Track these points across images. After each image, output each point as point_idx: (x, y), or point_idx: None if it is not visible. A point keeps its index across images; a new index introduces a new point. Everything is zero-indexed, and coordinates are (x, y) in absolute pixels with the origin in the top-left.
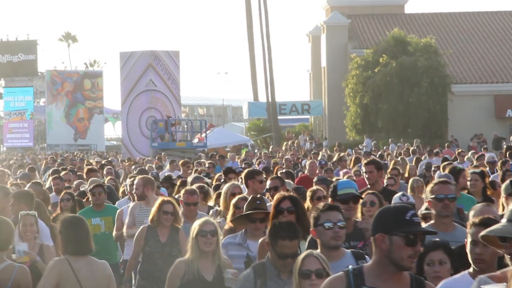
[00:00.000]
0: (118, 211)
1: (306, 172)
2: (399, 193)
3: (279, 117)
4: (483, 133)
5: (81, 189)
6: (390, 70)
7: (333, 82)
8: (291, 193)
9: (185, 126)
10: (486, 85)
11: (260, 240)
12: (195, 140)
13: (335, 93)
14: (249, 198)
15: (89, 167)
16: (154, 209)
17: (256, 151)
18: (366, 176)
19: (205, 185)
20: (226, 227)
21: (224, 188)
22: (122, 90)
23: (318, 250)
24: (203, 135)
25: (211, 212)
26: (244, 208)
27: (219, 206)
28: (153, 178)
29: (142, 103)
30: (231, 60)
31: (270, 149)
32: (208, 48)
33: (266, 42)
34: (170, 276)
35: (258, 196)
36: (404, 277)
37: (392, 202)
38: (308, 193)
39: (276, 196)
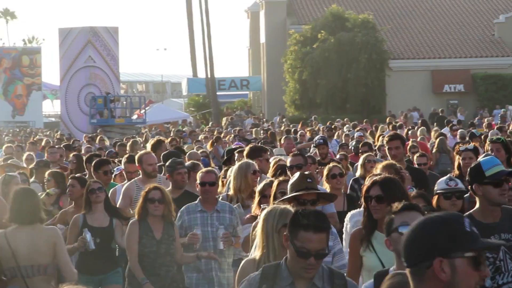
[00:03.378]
0: (111, 190)
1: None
2: (446, 177)
3: (218, 93)
4: (420, 108)
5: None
6: (329, 46)
7: (272, 58)
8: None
9: (124, 102)
10: (423, 61)
11: (253, 225)
12: (134, 117)
13: (274, 69)
14: (297, 176)
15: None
16: (140, 198)
17: (197, 129)
18: (392, 153)
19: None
20: (248, 215)
21: (236, 167)
22: (61, 67)
23: (394, 267)
24: (142, 111)
25: (220, 197)
26: (290, 188)
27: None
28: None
29: (81, 80)
30: (170, 37)
31: (209, 125)
32: (147, 24)
33: (205, 18)
34: (238, 280)
35: (307, 172)
36: None
37: (436, 187)
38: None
39: (369, 180)
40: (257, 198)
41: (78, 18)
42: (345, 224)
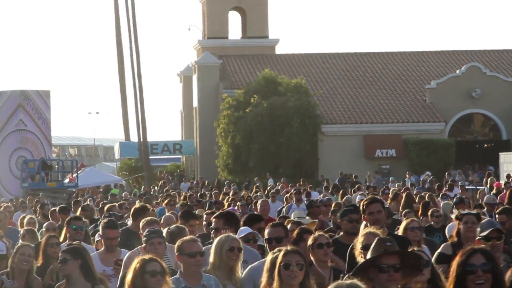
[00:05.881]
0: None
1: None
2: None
3: (151, 157)
4: (352, 173)
5: None
6: (261, 110)
7: (205, 122)
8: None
9: (56, 166)
10: (355, 126)
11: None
12: (66, 180)
13: (206, 133)
14: (376, 240)
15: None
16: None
17: (126, 193)
18: (374, 217)
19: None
20: None
21: (218, 240)
22: None
23: None
24: (74, 175)
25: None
26: (370, 254)
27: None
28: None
29: (12, 143)
30: (103, 100)
31: (142, 189)
32: (80, 87)
33: (137, 82)
34: None
35: (388, 237)
36: None
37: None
38: (310, 241)
39: (466, 248)
40: (265, 275)
41: (9, 81)
42: None
